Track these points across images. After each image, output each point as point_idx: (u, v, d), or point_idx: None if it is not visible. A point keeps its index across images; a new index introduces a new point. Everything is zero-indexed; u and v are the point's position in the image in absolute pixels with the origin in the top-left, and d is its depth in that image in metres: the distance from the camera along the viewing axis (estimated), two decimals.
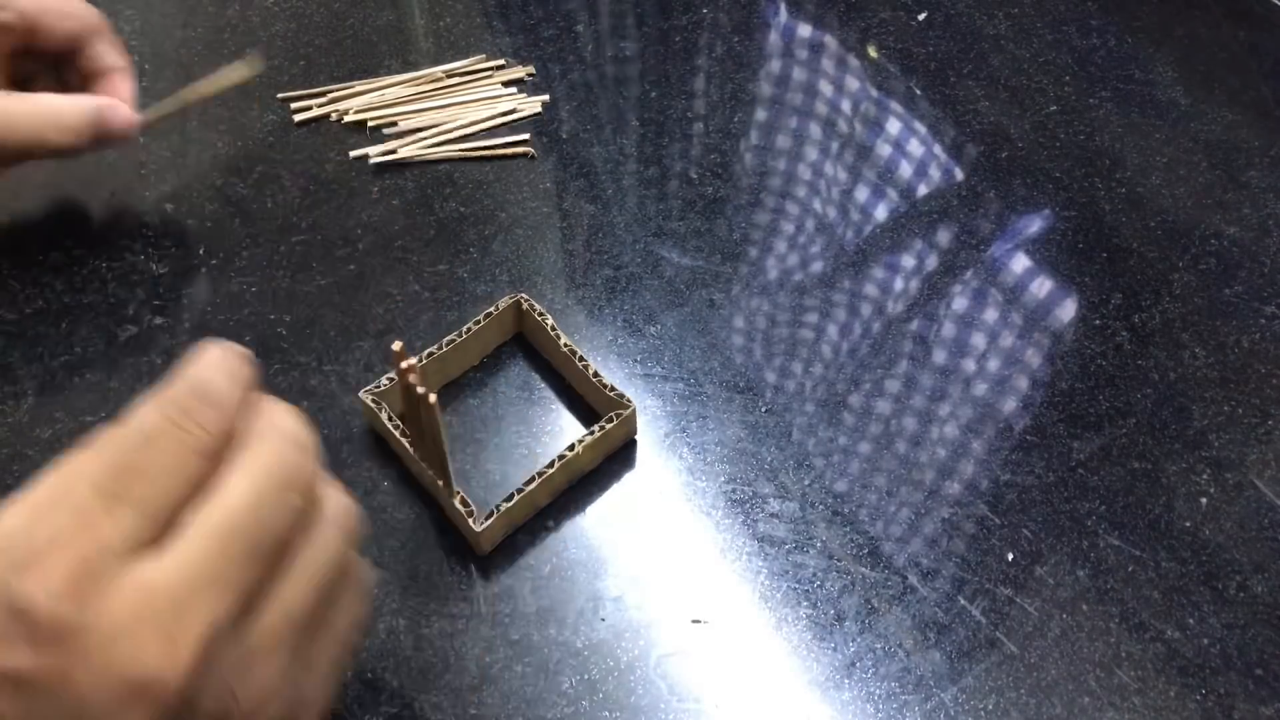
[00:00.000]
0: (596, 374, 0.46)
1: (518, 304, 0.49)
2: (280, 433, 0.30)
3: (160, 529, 0.27)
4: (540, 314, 0.48)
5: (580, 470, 0.45)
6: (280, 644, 0.28)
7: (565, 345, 0.47)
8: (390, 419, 0.44)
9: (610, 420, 0.44)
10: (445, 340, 0.47)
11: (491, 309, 0.48)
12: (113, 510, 0.26)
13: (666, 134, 0.61)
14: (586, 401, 0.48)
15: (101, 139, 0.49)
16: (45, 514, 0.26)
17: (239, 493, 0.28)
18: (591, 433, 0.44)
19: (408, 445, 0.44)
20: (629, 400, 0.45)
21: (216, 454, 0.29)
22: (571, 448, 0.43)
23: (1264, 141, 0.62)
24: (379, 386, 0.46)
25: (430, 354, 0.47)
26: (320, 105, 0.61)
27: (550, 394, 0.49)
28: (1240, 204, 0.58)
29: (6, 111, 0.47)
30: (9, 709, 0.25)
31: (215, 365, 0.30)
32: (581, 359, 0.46)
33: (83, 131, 0.48)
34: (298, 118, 0.60)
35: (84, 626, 0.25)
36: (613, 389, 0.45)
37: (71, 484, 0.27)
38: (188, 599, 0.26)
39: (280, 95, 0.61)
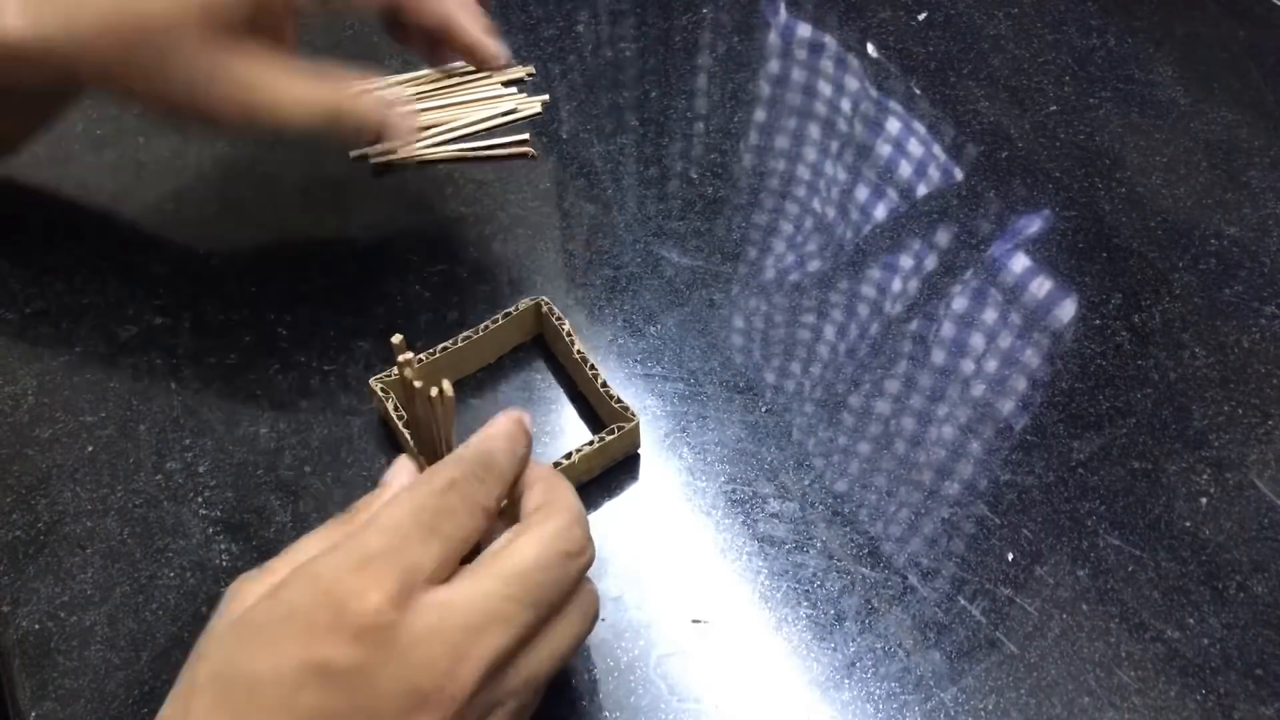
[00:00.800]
0: (605, 384, 0.46)
1: (538, 306, 0.49)
2: (568, 507, 0.34)
3: (454, 568, 0.31)
4: (558, 318, 0.48)
5: (578, 479, 0.45)
6: (528, 692, 0.32)
7: (578, 352, 0.47)
8: (396, 409, 0.44)
9: (611, 432, 0.44)
10: (461, 336, 0.47)
11: (511, 309, 0.48)
12: (428, 540, 0.30)
13: (667, 134, 0.61)
14: (595, 411, 0.48)
15: (348, 135, 0.47)
16: (375, 533, 0.30)
17: (531, 548, 0.32)
18: (591, 443, 0.44)
19: (409, 437, 0.44)
20: (634, 414, 0.45)
21: (493, 517, 0.33)
22: (569, 456, 0.43)
23: (1264, 141, 0.62)
24: (390, 375, 0.46)
25: (444, 349, 0.47)
26: None
27: (562, 399, 0.48)
28: (1240, 204, 0.58)
29: (246, 83, 0.42)
30: (311, 700, 0.28)
31: (501, 437, 0.35)
32: (592, 367, 0.46)
33: (313, 124, 0.44)
34: (374, 158, 0.60)
35: (397, 631, 0.28)
36: (619, 401, 0.45)
37: (395, 513, 0.31)
38: (479, 625, 0.30)
39: None
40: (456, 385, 0.48)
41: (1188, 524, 0.45)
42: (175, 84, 0.41)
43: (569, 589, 0.33)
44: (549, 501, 0.34)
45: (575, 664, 0.40)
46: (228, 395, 0.48)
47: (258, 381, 0.49)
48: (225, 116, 0.42)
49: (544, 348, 0.50)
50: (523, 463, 0.36)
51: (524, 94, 0.63)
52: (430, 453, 0.41)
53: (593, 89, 0.64)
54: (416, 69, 0.63)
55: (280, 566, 0.32)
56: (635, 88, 0.64)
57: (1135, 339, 0.52)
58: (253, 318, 0.51)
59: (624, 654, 0.41)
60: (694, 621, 0.42)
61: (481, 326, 0.47)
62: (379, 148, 0.58)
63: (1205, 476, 0.47)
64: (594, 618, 0.35)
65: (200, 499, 0.45)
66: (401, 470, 0.37)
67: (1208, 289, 0.54)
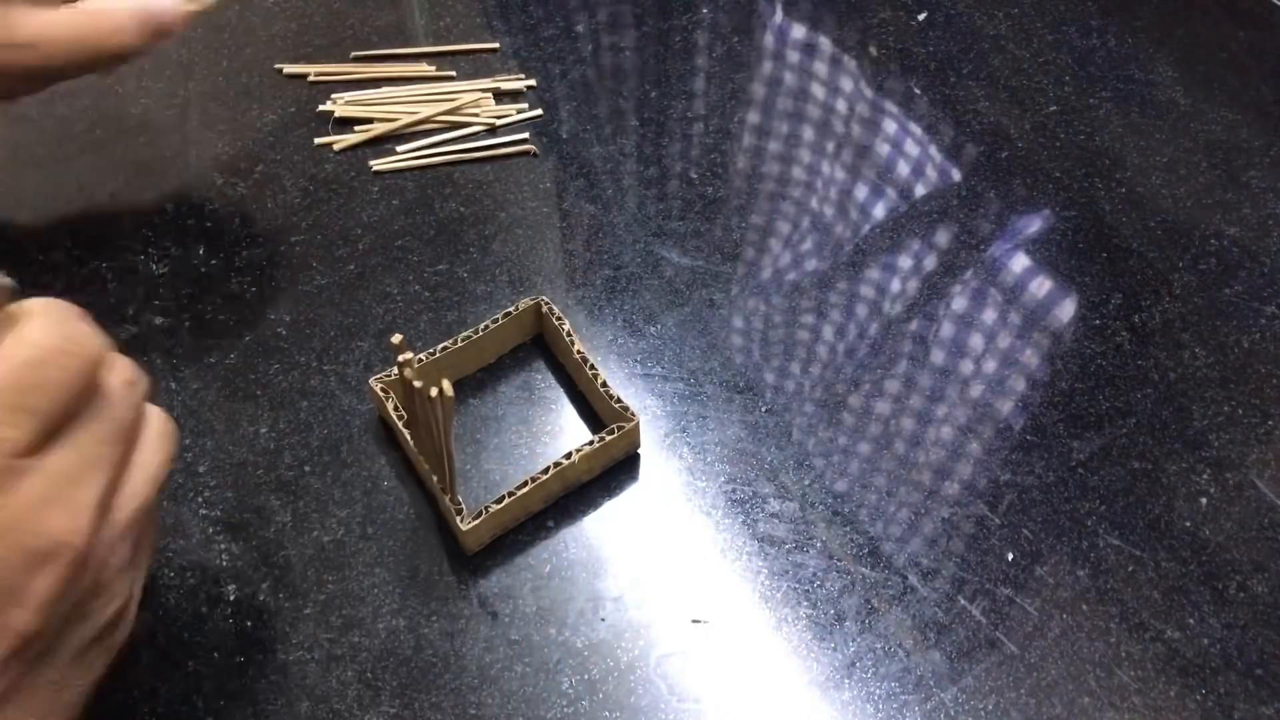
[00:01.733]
0: (605, 384, 0.46)
1: (538, 306, 0.49)
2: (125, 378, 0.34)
3: (53, 432, 0.31)
4: (558, 318, 0.48)
5: (577, 479, 0.45)
6: (133, 526, 0.33)
7: (578, 352, 0.47)
8: (395, 409, 0.45)
9: (611, 432, 0.44)
10: (461, 336, 0.47)
11: (511, 309, 0.48)
12: (17, 421, 0.30)
13: (666, 134, 0.61)
14: (594, 410, 0.48)
15: (153, 35, 0.46)
16: None
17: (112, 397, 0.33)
18: (591, 443, 0.44)
19: (409, 437, 0.44)
20: (633, 414, 0.45)
21: (94, 373, 0.33)
22: (568, 455, 0.43)
23: (1264, 141, 0.62)
24: (389, 375, 0.46)
25: (444, 349, 0.47)
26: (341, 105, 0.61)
27: (562, 399, 0.48)
28: (1240, 204, 0.58)
29: (53, 23, 0.44)
30: None
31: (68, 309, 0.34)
32: (592, 367, 0.46)
33: (131, 30, 0.45)
34: (337, 146, 0.60)
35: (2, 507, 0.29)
36: (619, 400, 0.45)
37: None
38: (80, 476, 0.31)
39: (287, 70, 0.62)
40: (456, 385, 0.48)
41: (1188, 524, 0.45)
42: None
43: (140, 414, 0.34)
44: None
45: (575, 664, 0.40)
46: (228, 395, 0.48)
47: (258, 381, 0.49)
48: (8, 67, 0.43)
49: (544, 348, 0.50)
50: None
51: (523, 95, 0.63)
52: (430, 452, 0.42)
53: (592, 89, 0.64)
54: (415, 65, 0.63)
55: None
56: (635, 88, 0.64)
57: (1135, 339, 0.52)
58: (253, 318, 0.51)
59: (624, 654, 0.41)
60: (694, 621, 0.42)
61: (481, 326, 0.47)
62: (368, 134, 0.59)
63: (1205, 476, 0.47)
64: (172, 436, 0.36)
65: (200, 499, 0.45)
66: None
67: (1208, 289, 0.54)
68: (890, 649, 0.41)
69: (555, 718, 0.39)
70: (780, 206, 0.58)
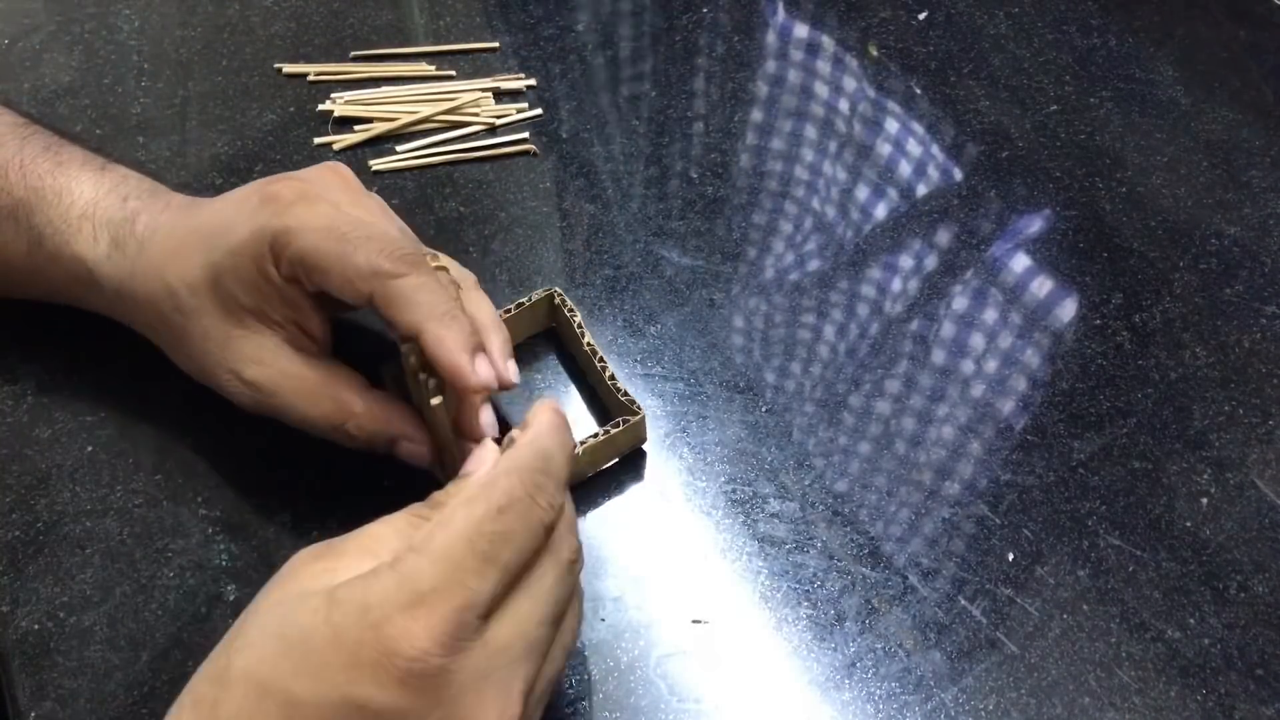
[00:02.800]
0: (613, 377, 0.46)
1: (550, 297, 0.49)
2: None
3: (510, 589, 0.30)
4: (570, 310, 0.48)
5: (582, 472, 0.45)
6: (538, 704, 0.32)
7: (588, 344, 0.47)
8: (405, 397, 0.44)
9: (615, 426, 0.44)
10: None
11: (524, 300, 0.48)
12: (484, 572, 0.29)
13: (666, 133, 0.61)
14: (603, 403, 0.48)
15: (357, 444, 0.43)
16: (429, 563, 0.29)
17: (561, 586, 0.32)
18: (595, 435, 0.44)
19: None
20: (639, 407, 0.45)
21: (553, 530, 0.32)
22: (574, 448, 0.43)
23: (1265, 141, 0.62)
24: (410, 363, 0.45)
25: None
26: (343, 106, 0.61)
27: (572, 391, 0.49)
28: (1241, 204, 0.58)
29: (254, 363, 0.41)
30: None
31: (553, 431, 0.34)
32: (601, 360, 0.46)
33: (318, 427, 0.42)
34: (337, 146, 0.60)
35: (444, 678, 0.28)
36: (626, 394, 0.45)
37: (451, 539, 0.30)
38: (519, 659, 0.30)
39: (286, 70, 0.62)
40: None
41: (1188, 524, 0.45)
42: (193, 353, 0.42)
43: (575, 595, 0.34)
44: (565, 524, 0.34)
45: (575, 664, 0.40)
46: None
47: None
48: (237, 397, 0.42)
49: (556, 339, 0.50)
50: (570, 456, 0.35)
51: (523, 96, 0.63)
52: (434, 444, 0.41)
53: (592, 89, 0.63)
54: (415, 64, 0.63)
55: (348, 550, 0.32)
56: (635, 87, 0.64)
57: (1136, 339, 0.52)
58: None
59: (624, 654, 0.41)
60: (694, 622, 0.42)
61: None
62: (367, 133, 0.59)
63: (1206, 476, 0.47)
64: (580, 615, 0.35)
65: (200, 499, 0.45)
66: (485, 458, 0.36)
67: (1208, 289, 0.54)
68: (891, 649, 0.41)
69: (555, 718, 0.39)
70: (781, 206, 0.58)
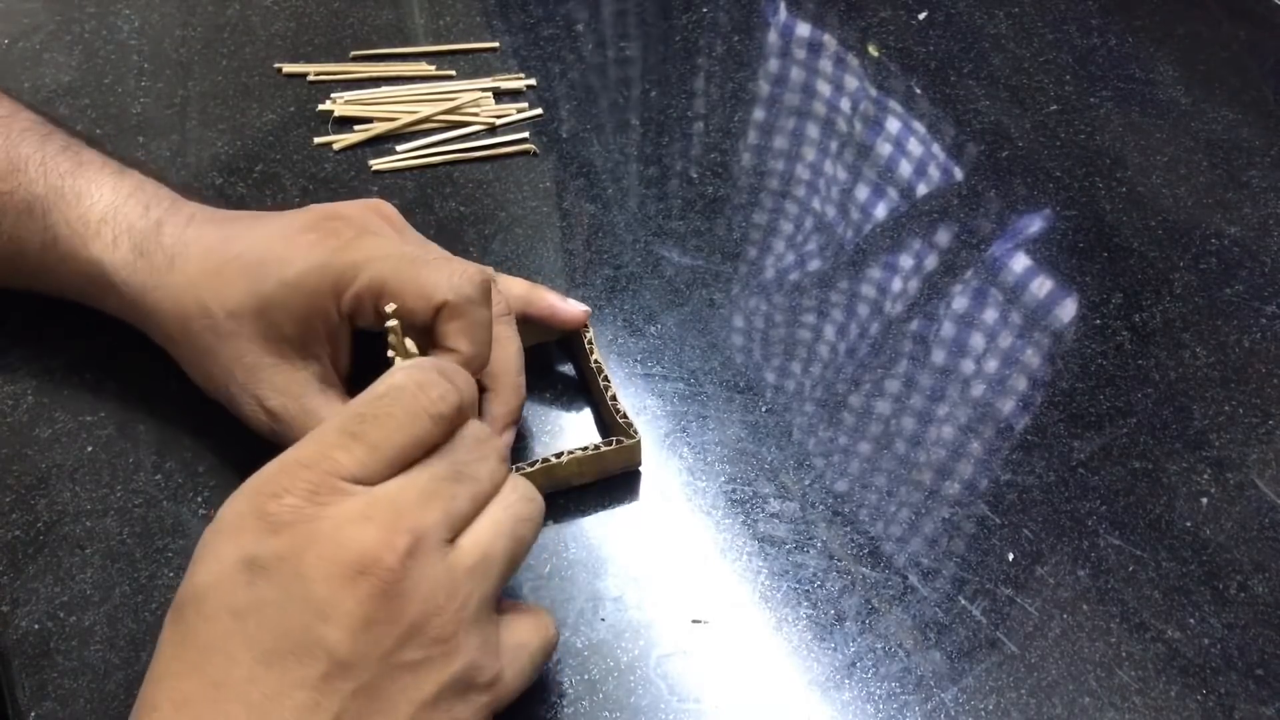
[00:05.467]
0: (614, 397, 0.45)
1: None
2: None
3: (390, 470, 0.32)
4: (584, 325, 0.48)
5: (567, 480, 0.44)
6: (474, 577, 0.32)
7: (595, 361, 0.46)
8: None
9: (609, 444, 0.44)
10: None
11: None
12: (349, 445, 0.32)
13: (666, 133, 0.61)
14: (604, 419, 0.47)
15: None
16: (303, 443, 0.32)
17: (462, 449, 0.34)
18: (585, 448, 0.43)
19: None
20: (636, 431, 0.44)
21: (448, 423, 0.33)
22: (559, 455, 0.43)
23: (1265, 141, 0.62)
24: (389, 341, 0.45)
25: None
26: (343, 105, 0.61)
27: (578, 402, 0.48)
28: (1241, 203, 0.58)
29: (276, 396, 0.42)
30: (246, 594, 0.30)
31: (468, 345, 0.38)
32: (605, 379, 0.46)
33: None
34: (337, 146, 0.60)
35: (316, 519, 0.30)
36: (624, 416, 0.45)
37: (326, 425, 0.32)
38: (405, 505, 0.31)
39: (286, 70, 0.62)
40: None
41: (1188, 524, 0.45)
42: (215, 373, 0.42)
43: (498, 482, 0.35)
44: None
45: (575, 664, 0.40)
46: None
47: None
48: (252, 421, 0.42)
49: (570, 351, 0.50)
50: (481, 359, 0.39)
51: (522, 95, 0.63)
52: None
53: (592, 89, 0.63)
54: (415, 64, 0.63)
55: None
56: (635, 87, 0.64)
57: (1136, 339, 0.52)
58: None
59: (624, 654, 0.41)
60: (694, 622, 0.42)
61: None
62: (368, 133, 0.59)
63: (1206, 476, 0.47)
64: (534, 501, 0.36)
65: (200, 499, 0.45)
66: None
67: (1208, 288, 0.54)
68: (891, 649, 0.41)
69: (555, 718, 0.39)
70: (781, 206, 0.58)
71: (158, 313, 0.43)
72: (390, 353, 0.38)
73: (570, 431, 0.47)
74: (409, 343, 0.38)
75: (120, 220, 0.44)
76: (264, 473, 0.32)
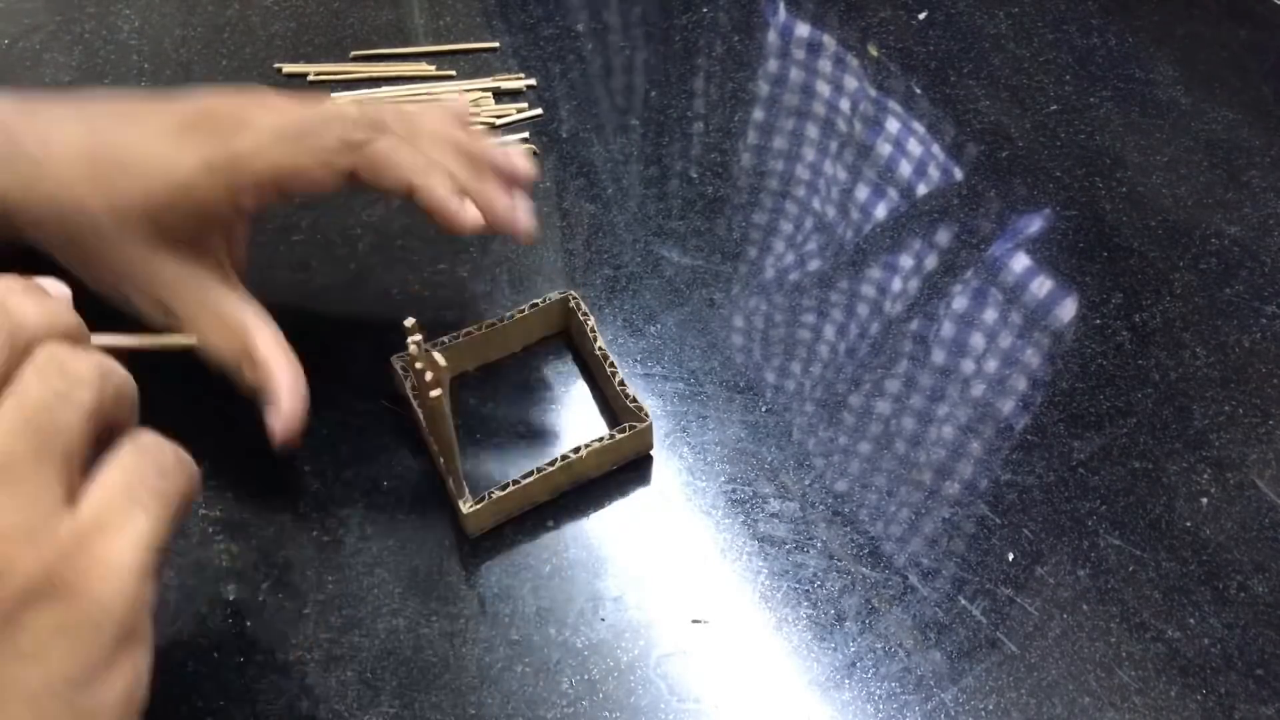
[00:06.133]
0: (623, 382, 0.46)
1: (565, 300, 0.49)
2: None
3: None
4: (584, 314, 0.48)
5: (585, 474, 0.45)
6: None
7: (599, 348, 0.47)
8: (413, 388, 0.44)
9: (622, 430, 0.44)
10: (485, 323, 0.47)
11: (539, 300, 0.48)
12: None
13: (666, 133, 0.61)
14: (611, 408, 0.48)
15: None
16: None
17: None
18: (600, 439, 0.44)
19: (422, 418, 0.44)
20: (647, 414, 0.45)
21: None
22: (577, 450, 0.43)
23: (1264, 141, 0.62)
24: (409, 354, 0.45)
25: (468, 333, 0.47)
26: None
27: (583, 394, 0.49)
28: (1241, 203, 0.58)
29: (170, 290, 0.41)
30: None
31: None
32: (611, 365, 0.46)
33: (217, 358, 0.42)
34: None
35: None
36: (634, 400, 0.45)
37: None
38: None
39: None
40: (481, 369, 0.49)
41: (1188, 524, 0.45)
42: (104, 275, 0.41)
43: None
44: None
45: (575, 664, 0.40)
46: (227, 395, 0.48)
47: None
48: (147, 316, 0.41)
49: (571, 342, 0.50)
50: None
51: (524, 104, 0.63)
52: (440, 437, 0.42)
53: (592, 89, 0.63)
54: (415, 64, 0.63)
55: None
56: (635, 87, 0.64)
57: (1136, 339, 0.52)
58: None
59: (624, 654, 0.41)
60: (694, 622, 0.42)
61: (508, 315, 0.48)
62: None
63: (1206, 476, 0.47)
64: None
65: (200, 499, 0.45)
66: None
67: (1208, 288, 0.54)
68: (890, 649, 0.41)
69: (555, 718, 0.39)
70: (781, 205, 0.58)
71: (34, 222, 0.41)
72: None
73: (585, 425, 0.47)
74: (422, 368, 0.38)
75: None
76: None
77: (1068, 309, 0.53)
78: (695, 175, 0.59)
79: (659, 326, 0.51)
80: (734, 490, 0.46)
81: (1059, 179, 0.59)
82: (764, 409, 0.49)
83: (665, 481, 0.46)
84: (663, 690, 0.40)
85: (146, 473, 0.29)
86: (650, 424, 0.45)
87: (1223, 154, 0.61)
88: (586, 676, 0.40)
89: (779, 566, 0.43)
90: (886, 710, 0.40)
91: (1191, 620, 0.42)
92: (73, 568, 0.27)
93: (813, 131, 0.62)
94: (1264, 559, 0.44)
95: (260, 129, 0.40)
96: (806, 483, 0.46)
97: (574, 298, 0.48)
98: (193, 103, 0.42)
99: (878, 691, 0.40)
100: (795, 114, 0.63)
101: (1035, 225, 0.57)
